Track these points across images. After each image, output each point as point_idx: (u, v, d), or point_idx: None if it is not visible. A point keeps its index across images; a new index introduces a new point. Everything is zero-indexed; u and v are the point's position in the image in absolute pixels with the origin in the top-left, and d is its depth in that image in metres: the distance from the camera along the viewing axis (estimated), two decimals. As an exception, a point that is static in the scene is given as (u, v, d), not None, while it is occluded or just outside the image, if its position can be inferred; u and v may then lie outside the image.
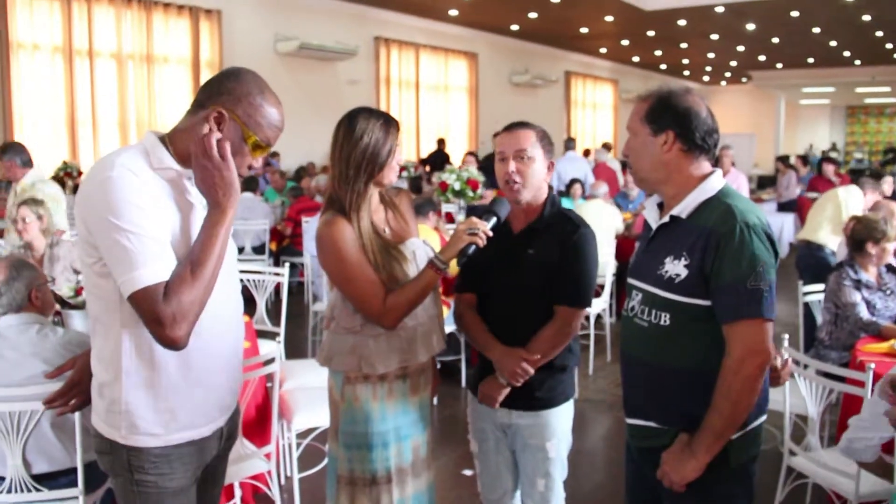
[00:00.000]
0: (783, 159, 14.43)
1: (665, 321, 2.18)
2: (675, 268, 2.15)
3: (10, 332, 2.88)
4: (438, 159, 13.36)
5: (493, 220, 2.57)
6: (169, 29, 11.40)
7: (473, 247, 2.47)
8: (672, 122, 2.19)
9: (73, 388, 2.22)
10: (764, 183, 15.20)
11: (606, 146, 15.47)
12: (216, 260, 1.93)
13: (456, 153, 15.94)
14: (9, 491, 2.76)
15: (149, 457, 2.01)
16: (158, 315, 1.82)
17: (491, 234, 2.50)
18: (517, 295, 2.67)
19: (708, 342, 2.12)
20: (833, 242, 6.48)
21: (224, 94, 1.99)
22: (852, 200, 6.53)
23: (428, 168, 13.72)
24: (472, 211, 8.11)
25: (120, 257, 1.83)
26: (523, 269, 2.65)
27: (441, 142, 14.86)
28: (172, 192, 1.99)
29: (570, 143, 12.88)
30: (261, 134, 2.02)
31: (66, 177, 9.39)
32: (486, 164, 11.15)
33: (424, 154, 15.53)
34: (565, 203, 8.95)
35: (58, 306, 3.54)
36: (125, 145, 2.05)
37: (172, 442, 2.03)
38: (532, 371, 2.58)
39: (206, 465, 2.17)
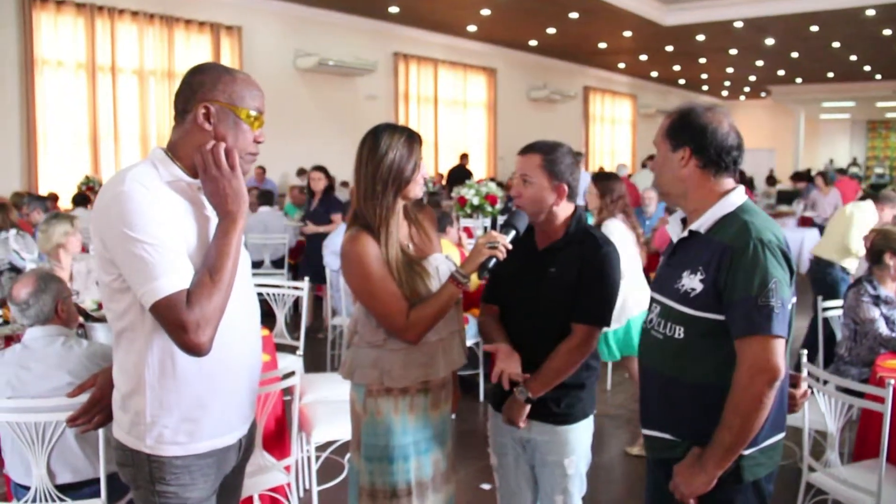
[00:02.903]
0: (824, 175, 12.63)
1: (679, 334, 2.20)
2: (691, 282, 2.17)
3: (36, 345, 2.92)
4: (460, 174, 13.38)
5: (513, 233, 2.59)
6: (190, 45, 11.53)
7: (494, 260, 2.49)
8: (689, 139, 2.22)
9: (96, 405, 2.24)
10: (783, 198, 15.04)
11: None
12: (232, 267, 1.97)
13: (474, 169, 15.97)
14: (34, 501, 2.80)
15: (170, 468, 2.03)
16: (183, 322, 1.85)
17: (510, 247, 2.52)
18: (538, 311, 2.67)
19: (721, 357, 2.12)
20: (843, 259, 6.43)
21: (198, 90, 2.03)
22: (859, 215, 6.45)
23: (439, 184, 13.72)
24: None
25: (139, 269, 1.86)
26: (545, 287, 2.66)
27: (464, 157, 14.91)
28: (185, 203, 2.02)
29: (576, 157, 13.00)
30: (248, 104, 2.06)
31: (89, 191, 9.49)
32: None
33: (443, 169, 15.56)
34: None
35: (81, 319, 3.58)
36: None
37: (197, 451, 2.05)
38: (518, 373, 2.55)
39: (225, 476, 2.20)
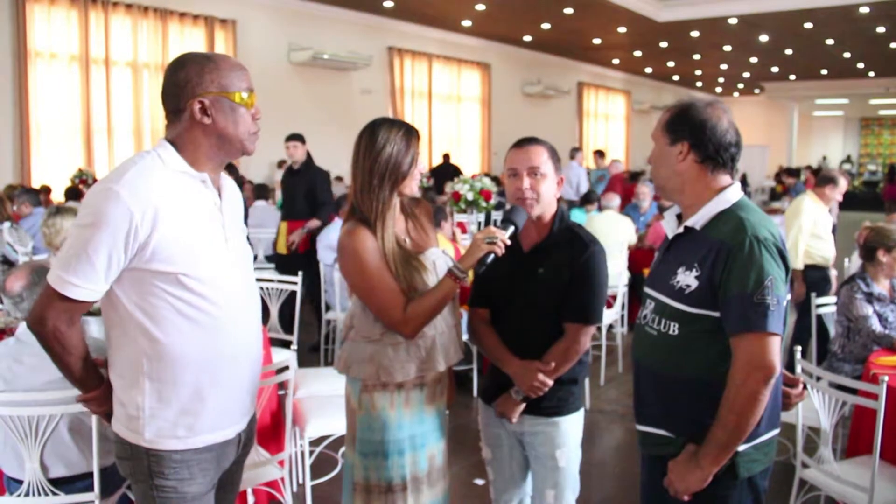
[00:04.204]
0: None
1: (674, 331, 2.19)
2: (687, 278, 2.16)
3: (29, 338, 2.88)
4: (446, 172, 13.35)
5: (511, 229, 2.57)
6: (184, 38, 11.48)
7: (492, 255, 2.48)
8: (688, 134, 2.22)
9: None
10: (778, 195, 15.13)
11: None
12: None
13: (468, 164, 15.94)
14: (27, 494, 2.79)
15: (169, 462, 2.03)
16: (38, 315, 1.99)
17: (509, 242, 2.51)
18: (528, 312, 2.68)
19: (716, 353, 2.12)
20: (809, 259, 6.31)
21: (185, 86, 2.02)
22: (796, 213, 6.31)
23: (432, 180, 13.70)
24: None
25: (69, 248, 1.91)
26: (534, 288, 2.66)
27: (446, 157, 14.84)
28: (187, 191, 2.03)
29: (572, 153, 13.11)
30: (238, 86, 2.07)
31: (82, 184, 9.45)
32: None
33: (436, 164, 15.52)
34: (577, 215, 8.85)
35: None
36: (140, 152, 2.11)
37: (197, 445, 2.06)
38: (550, 383, 2.59)
39: (224, 471, 2.20)
